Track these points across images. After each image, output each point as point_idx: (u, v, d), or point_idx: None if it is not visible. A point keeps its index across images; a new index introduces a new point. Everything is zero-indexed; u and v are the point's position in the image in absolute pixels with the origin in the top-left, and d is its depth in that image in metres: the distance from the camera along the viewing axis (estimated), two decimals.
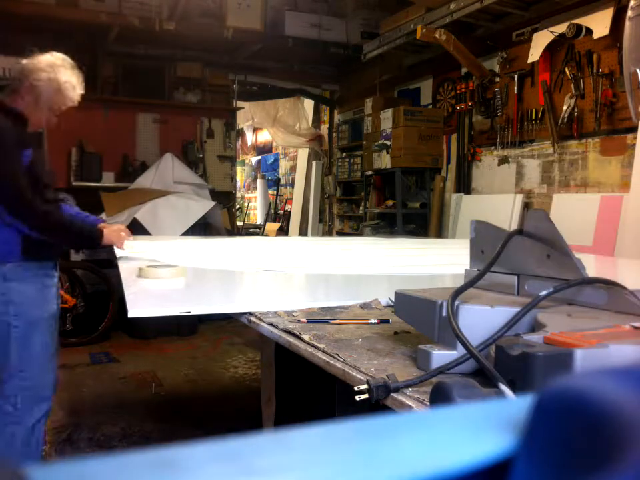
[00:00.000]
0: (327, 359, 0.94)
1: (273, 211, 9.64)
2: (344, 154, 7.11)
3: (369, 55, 5.64)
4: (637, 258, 3.11)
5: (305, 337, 1.07)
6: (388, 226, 5.60)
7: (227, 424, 3.06)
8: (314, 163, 7.86)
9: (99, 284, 4.99)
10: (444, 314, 0.84)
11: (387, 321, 1.21)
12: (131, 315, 1.26)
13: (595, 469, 0.23)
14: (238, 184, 9.69)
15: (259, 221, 10.41)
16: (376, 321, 1.21)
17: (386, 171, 5.47)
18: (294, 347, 1.07)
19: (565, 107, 3.99)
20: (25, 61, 2.19)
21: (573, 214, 3.88)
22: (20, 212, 2.05)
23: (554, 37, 4.01)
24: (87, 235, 2.23)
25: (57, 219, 2.12)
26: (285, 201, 9.86)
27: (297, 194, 8.47)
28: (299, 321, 1.22)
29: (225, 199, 6.45)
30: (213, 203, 5.60)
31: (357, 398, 0.76)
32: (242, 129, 10.11)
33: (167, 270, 1.82)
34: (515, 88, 4.47)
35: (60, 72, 2.17)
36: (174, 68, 6.11)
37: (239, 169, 9.96)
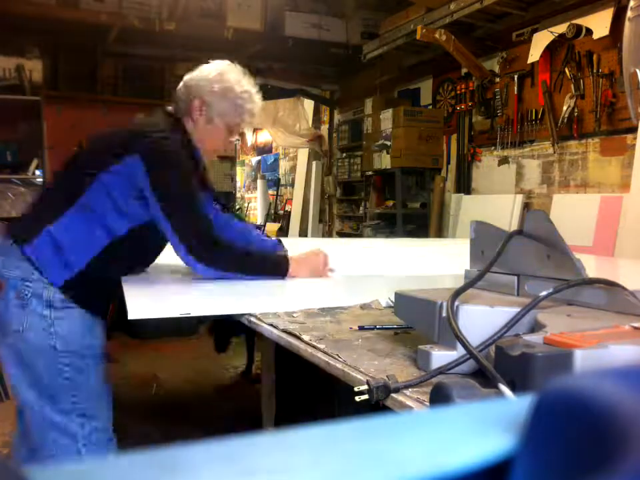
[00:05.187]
0: (327, 360, 0.94)
1: (272, 212, 9.62)
2: (344, 154, 7.11)
3: (369, 55, 5.64)
4: (637, 258, 3.11)
5: (305, 337, 1.07)
6: (388, 226, 5.60)
7: (227, 424, 3.06)
8: (314, 163, 7.86)
9: None
10: (444, 314, 0.83)
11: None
12: (131, 316, 1.25)
13: (595, 470, 0.23)
14: (238, 184, 9.68)
15: (259, 221, 10.39)
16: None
17: (386, 171, 5.47)
18: (294, 348, 1.07)
19: (564, 107, 3.99)
20: (187, 76, 1.83)
21: (572, 214, 3.88)
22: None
23: (554, 37, 4.01)
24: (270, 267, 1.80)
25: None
26: (285, 201, 9.84)
27: (297, 194, 8.47)
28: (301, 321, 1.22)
29: (225, 199, 6.45)
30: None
31: (356, 398, 0.76)
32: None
33: None
34: (515, 88, 4.46)
35: (232, 80, 1.79)
36: (174, 68, 6.11)
37: (239, 169, 9.95)
